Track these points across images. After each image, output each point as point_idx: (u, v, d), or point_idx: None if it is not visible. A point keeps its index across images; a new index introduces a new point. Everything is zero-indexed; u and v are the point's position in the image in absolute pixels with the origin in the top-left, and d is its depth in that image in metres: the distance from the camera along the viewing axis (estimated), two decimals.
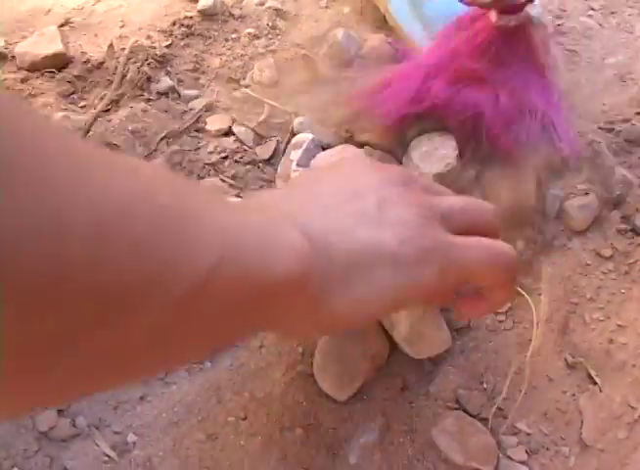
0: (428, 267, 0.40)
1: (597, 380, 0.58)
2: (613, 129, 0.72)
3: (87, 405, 0.57)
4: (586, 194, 0.66)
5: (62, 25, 0.79)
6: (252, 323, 0.36)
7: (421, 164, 0.63)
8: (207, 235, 0.30)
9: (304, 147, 0.66)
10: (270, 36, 0.80)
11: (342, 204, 0.41)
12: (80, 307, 0.23)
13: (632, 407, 0.57)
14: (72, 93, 0.75)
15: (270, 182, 0.70)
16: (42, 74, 0.75)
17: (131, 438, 0.56)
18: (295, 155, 0.67)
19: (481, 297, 0.45)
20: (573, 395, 0.58)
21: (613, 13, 0.85)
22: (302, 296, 0.36)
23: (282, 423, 0.55)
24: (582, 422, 0.57)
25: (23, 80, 0.74)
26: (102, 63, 0.76)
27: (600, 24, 0.85)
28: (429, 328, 0.57)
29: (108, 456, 0.55)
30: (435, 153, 0.63)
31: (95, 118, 0.71)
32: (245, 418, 0.56)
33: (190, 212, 0.29)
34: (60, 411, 0.56)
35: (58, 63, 0.76)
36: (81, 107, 0.74)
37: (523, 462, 0.55)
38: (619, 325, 0.61)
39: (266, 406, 0.56)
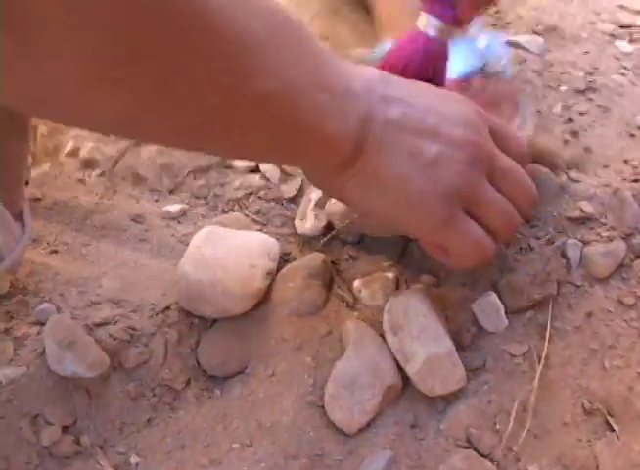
0: (427, 225, 0.50)
1: (615, 427, 0.56)
2: (639, 181, 0.71)
3: (92, 425, 0.57)
4: (610, 241, 0.65)
5: None
6: (291, 148, 0.46)
7: None
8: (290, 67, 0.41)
9: None
10: None
11: (416, 128, 0.49)
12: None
13: None
14: None
15: (292, 219, 0.70)
16: None
17: (134, 459, 0.55)
18: (315, 195, 0.68)
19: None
20: (589, 441, 0.56)
21: None
22: (332, 158, 0.47)
23: (287, 452, 0.54)
24: (598, 468, 0.54)
25: None
26: None
27: (632, 83, 0.86)
28: (443, 365, 0.56)
29: None
30: None
31: (125, 151, 0.73)
32: (250, 445, 0.55)
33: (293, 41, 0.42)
34: (64, 428, 0.56)
35: None
36: (113, 140, 0.76)
37: None
38: None
39: (273, 435, 0.55)
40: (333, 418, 0.55)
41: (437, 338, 0.57)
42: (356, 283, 0.63)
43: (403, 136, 0.48)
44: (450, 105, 0.52)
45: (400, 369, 0.57)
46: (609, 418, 0.57)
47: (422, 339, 0.57)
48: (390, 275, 0.63)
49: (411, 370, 0.56)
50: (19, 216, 0.60)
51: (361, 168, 0.48)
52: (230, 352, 0.60)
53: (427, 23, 0.59)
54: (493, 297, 0.60)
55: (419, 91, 0.52)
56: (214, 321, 0.61)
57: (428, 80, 0.58)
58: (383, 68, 0.56)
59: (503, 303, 0.61)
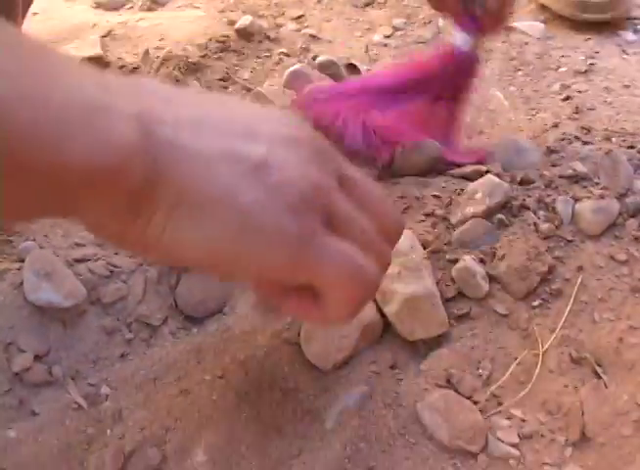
0: (277, 250, 0.34)
1: (603, 376, 0.55)
2: (635, 147, 0.70)
3: (66, 355, 0.56)
4: (601, 198, 0.64)
5: (104, 36, 0.83)
6: (55, 204, 0.31)
7: None
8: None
9: None
10: (302, 56, 0.83)
11: (225, 129, 0.35)
12: None
13: None
14: None
15: None
16: None
17: (105, 390, 0.54)
18: None
19: (318, 303, 0.37)
20: (576, 387, 0.54)
21: None
22: (115, 193, 0.31)
23: (259, 384, 0.53)
24: (583, 413, 0.52)
25: None
26: (137, 68, 0.79)
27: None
28: (423, 306, 0.55)
29: (78, 405, 0.53)
30: None
31: None
32: (221, 376, 0.53)
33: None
34: (37, 357, 0.55)
35: (96, 65, 0.79)
36: None
37: (513, 445, 0.51)
38: (631, 326, 0.57)
39: (245, 368, 0.54)
40: (308, 355, 0.54)
41: (419, 277, 0.56)
42: None
43: (209, 138, 0.34)
44: (271, 114, 0.39)
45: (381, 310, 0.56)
46: (597, 367, 0.55)
47: (403, 277, 0.55)
48: None
49: (389, 311, 0.55)
50: None
51: (162, 196, 0.32)
52: (208, 293, 0.59)
53: (458, 39, 0.68)
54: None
55: (216, 98, 0.41)
56: None
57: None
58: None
59: None
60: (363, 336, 0.55)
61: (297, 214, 0.34)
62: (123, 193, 0.31)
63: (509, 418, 0.52)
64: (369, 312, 0.55)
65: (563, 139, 0.72)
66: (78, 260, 0.59)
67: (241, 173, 0.33)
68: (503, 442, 0.51)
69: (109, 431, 0.52)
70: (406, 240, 0.57)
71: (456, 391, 0.53)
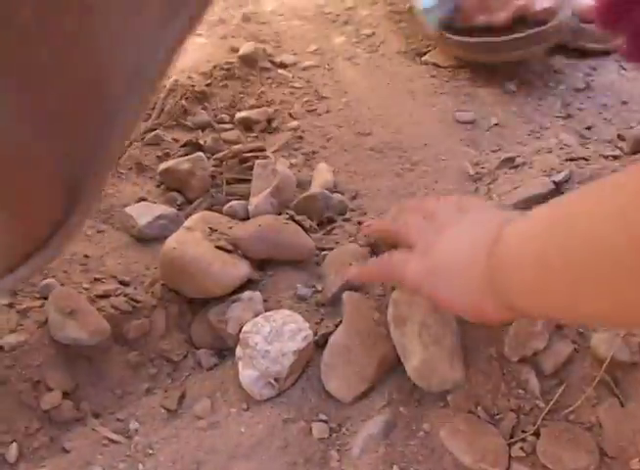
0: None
1: None
2: None
3: (94, 393, 0.57)
4: None
5: None
6: None
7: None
8: None
9: None
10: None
11: None
12: None
13: None
14: None
15: None
16: None
17: (133, 425, 0.55)
18: None
19: None
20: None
21: None
22: None
23: (286, 415, 0.54)
24: None
25: None
26: None
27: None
28: (440, 366, 0.56)
29: (108, 440, 0.54)
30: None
31: (131, 143, 0.75)
32: (247, 409, 0.54)
33: None
34: (65, 394, 0.56)
35: None
36: None
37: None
38: None
39: (270, 401, 0.55)
40: (329, 388, 0.56)
41: (438, 338, 0.56)
42: None
43: None
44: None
45: None
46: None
47: (423, 337, 0.56)
48: None
49: (409, 367, 0.56)
50: None
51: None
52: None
53: None
54: None
55: None
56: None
57: None
58: None
59: None
60: (380, 366, 0.56)
61: None
62: None
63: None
64: (384, 344, 0.57)
65: None
66: (100, 296, 0.60)
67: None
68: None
69: (140, 466, 0.53)
70: None
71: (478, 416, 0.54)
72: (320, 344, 0.58)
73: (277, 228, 0.63)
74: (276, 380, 0.55)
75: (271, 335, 0.56)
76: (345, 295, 0.60)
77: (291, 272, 0.63)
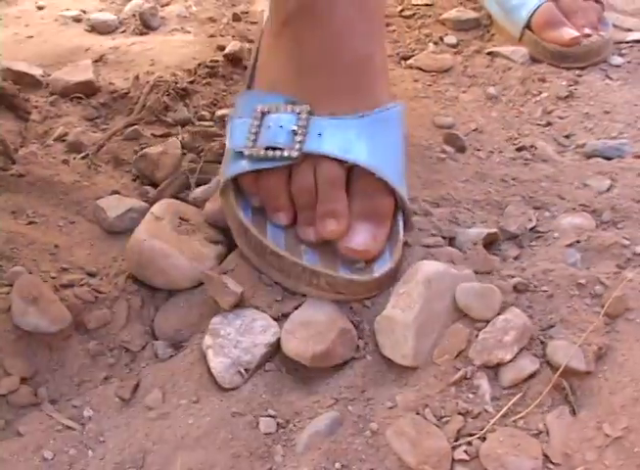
0: None
1: None
2: None
3: (52, 379, 0.58)
4: None
5: (96, 61, 0.86)
6: None
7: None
8: None
9: None
10: None
11: None
12: None
13: None
14: (96, 118, 0.81)
15: None
16: (70, 99, 0.81)
17: (88, 412, 0.56)
18: None
19: None
20: None
21: None
22: None
23: (235, 409, 0.55)
24: None
25: (52, 103, 0.81)
26: (127, 93, 0.82)
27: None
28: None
29: (62, 426, 0.55)
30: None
31: (110, 137, 0.76)
32: (197, 401, 0.55)
33: None
34: (23, 379, 0.57)
35: (86, 90, 0.82)
36: (102, 130, 0.79)
37: None
38: None
39: (220, 394, 0.56)
40: (288, 351, 0.57)
41: None
42: None
43: None
44: None
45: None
46: None
47: None
48: None
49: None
50: None
51: None
52: (185, 321, 0.61)
53: None
54: None
55: None
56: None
57: None
58: None
59: None
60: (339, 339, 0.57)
61: None
62: None
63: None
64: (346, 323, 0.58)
65: None
66: (65, 286, 0.62)
67: None
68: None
69: (90, 452, 0.54)
70: None
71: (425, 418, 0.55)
72: None
73: None
74: (246, 370, 0.56)
75: (242, 328, 0.58)
76: None
77: None
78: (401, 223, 0.62)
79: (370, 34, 0.61)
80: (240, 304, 0.58)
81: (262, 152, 0.59)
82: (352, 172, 0.60)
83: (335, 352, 0.57)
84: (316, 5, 0.59)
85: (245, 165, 0.60)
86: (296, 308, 0.59)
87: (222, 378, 0.56)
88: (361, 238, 0.59)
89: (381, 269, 0.59)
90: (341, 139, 0.59)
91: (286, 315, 0.59)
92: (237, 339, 0.57)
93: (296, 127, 0.59)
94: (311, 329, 0.57)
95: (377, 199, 0.60)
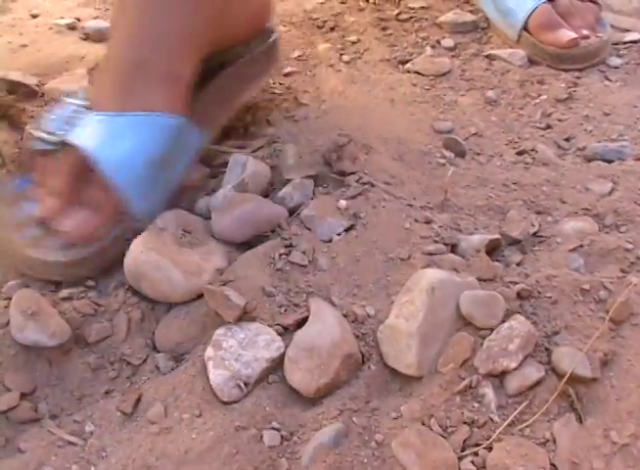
0: None
1: None
2: None
3: (52, 394, 0.57)
4: None
5: (92, 69, 0.85)
6: None
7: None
8: None
9: None
10: None
11: None
12: None
13: None
14: None
15: None
16: None
17: (89, 427, 0.56)
18: None
19: None
20: None
21: None
22: None
23: (238, 423, 0.54)
24: None
25: None
26: None
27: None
28: None
29: (63, 441, 0.54)
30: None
31: None
32: (199, 415, 0.55)
33: None
34: (23, 395, 0.56)
35: None
36: None
37: None
38: None
39: (223, 408, 0.55)
40: (292, 382, 0.56)
41: None
42: None
43: None
44: None
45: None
46: None
47: None
48: None
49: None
50: None
51: None
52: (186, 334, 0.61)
53: None
54: None
55: None
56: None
57: None
58: None
59: None
60: (343, 365, 0.56)
61: None
62: None
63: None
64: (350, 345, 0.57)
65: None
66: (64, 299, 0.61)
67: None
68: None
69: (92, 468, 0.53)
70: None
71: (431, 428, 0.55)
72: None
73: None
74: (245, 384, 0.56)
75: (245, 341, 0.57)
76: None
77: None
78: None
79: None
80: (243, 316, 0.58)
81: None
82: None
83: (339, 378, 0.56)
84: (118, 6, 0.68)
85: None
86: (299, 323, 0.58)
87: (221, 391, 0.55)
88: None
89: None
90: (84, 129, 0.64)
91: (286, 329, 0.58)
92: (239, 352, 0.56)
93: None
94: (315, 357, 0.56)
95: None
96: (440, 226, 0.66)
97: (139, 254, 0.61)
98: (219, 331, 0.57)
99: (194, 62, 0.67)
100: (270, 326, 0.58)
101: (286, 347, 0.57)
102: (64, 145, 0.64)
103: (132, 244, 0.62)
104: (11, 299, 0.60)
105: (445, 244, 0.64)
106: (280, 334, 0.58)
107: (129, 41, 0.65)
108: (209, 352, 0.57)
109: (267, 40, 0.78)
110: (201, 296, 0.60)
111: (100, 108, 0.64)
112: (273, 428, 0.54)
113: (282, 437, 0.54)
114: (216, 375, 0.55)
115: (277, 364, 0.57)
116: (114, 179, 0.63)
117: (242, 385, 0.55)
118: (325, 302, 0.60)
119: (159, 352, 0.60)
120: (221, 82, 0.74)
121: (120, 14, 0.66)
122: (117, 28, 0.66)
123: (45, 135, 0.65)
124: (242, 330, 0.57)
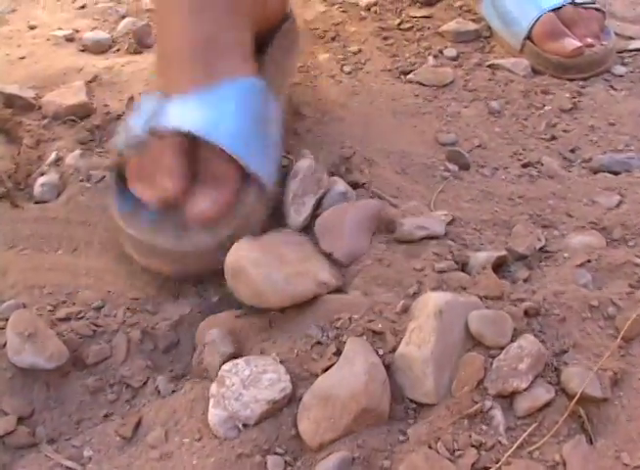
0: None
1: None
2: None
3: (50, 418, 0.56)
4: None
5: (90, 82, 0.84)
6: None
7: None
8: None
9: None
10: None
11: None
12: None
13: None
14: (91, 141, 0.79)
15: None
16: (64, 122, 0.79)
17: (88, 452, 0.54)
18: None
19: None
20: None
21: None
22: None
23: (240, 450, 0.52)
24: None
25: (46, 127, 0.79)
26: (121, 115, 0.80)
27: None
28: None
29: (62, 466, 0.53)
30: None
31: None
32: (199, 440, 0.53)
33: None
34: (20, 419, 0.55)
35: (80, 112, 0.80)
36: (98, 153, 0.77)
37: None
38: None
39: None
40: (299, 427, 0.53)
41: None
42: None
43: None
44: None
45: None
46: None
47: None
48: None
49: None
50: None
51: None
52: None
53: None
54: None
55: None
56: None
57: None
58: None
59: None
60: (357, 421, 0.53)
61: None
62: None
63: None
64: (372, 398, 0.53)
65: None
66: (62, 320, 0.60)
67: None
68: None
69: None
70: None
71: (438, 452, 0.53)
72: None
73: None
74: (244, 425, 0.53)
75: (249, 379, 0.55)
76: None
77: None
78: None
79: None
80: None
81: None
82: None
83: (346, 434, 0.53)
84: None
85: None
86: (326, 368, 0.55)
87: (216, 431, 0.53)
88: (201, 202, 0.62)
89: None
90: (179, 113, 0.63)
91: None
92: (240, 391, 0.53)
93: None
94: (327, 409, 0.52)
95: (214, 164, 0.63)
96: (447, 240, 0.64)
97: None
98: (226, 366, 0.55)
99: (251, 33, 0.70)
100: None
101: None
102: (158, 136, 0.63)
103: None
104: (8, 320, 0.59)
105: (456, 261, 0.63)
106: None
107: (190, 19, 0.66)
108: (213, 388, 0.54)
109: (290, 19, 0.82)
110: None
111: (181, 90, 0.64)
112: (276, 453, 0.53)
113: (285, 462, 0.52)
114: (214, 415, 0.53)
115: (281, 406, 0.54)
116: (232, 149, 0.62)
117: (240, 426, 0.53)
118: (365, 341, 0.57)
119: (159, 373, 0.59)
120: (274, 52, 0.76)
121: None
122: (168, 15, 0.67)
123: (137, 134, 0.63)
124: (248, 366, 0.55)
